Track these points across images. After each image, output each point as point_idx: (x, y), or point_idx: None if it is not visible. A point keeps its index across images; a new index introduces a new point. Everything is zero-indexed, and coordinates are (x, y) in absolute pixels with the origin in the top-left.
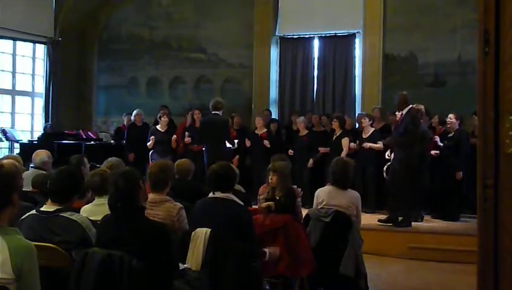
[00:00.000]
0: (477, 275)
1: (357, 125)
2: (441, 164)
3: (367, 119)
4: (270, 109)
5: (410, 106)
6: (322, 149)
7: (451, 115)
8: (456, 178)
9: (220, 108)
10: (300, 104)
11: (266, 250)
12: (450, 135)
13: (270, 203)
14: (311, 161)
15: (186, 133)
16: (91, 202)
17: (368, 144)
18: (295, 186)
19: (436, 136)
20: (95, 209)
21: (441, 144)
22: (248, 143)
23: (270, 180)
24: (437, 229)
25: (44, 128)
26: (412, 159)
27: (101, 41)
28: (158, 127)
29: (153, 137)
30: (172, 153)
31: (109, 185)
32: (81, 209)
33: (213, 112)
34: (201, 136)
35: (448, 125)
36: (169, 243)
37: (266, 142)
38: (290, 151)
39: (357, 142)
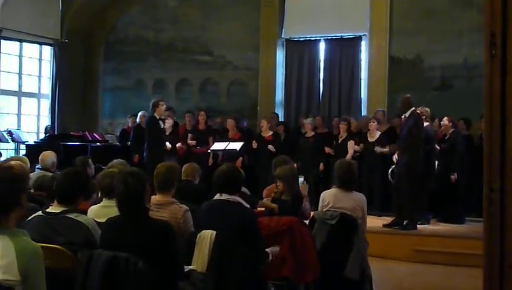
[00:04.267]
0: (483, 278)
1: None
2: (439, 166)
3: (375, 123)
4: (276, 111)
5: (413, 108)
6: (327, 149)
7: (445, 119)
8: (451, 180)
9: (155, 108)
10: (306, 106)
11: (268, 250)
12: (446, 137)
13: (274, 205)
14: (321, 164)
15: (190, 135)
16: (97, 203)
17: (378, 149)
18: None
19: None
20: (101, 211)
21: (438, 147)
22: (255, 145)
23: (278, 186)
24: (442, 232)
25: (46, 130)
26: (417, 162)
27: (108, 44)
28: None
29: None
30: (178, 155)
31: (117, 182)
32: (88, 210)
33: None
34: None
35: (442, 128)
36: (174, 241)
37: (271, 147)
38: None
39: (360, 145)
